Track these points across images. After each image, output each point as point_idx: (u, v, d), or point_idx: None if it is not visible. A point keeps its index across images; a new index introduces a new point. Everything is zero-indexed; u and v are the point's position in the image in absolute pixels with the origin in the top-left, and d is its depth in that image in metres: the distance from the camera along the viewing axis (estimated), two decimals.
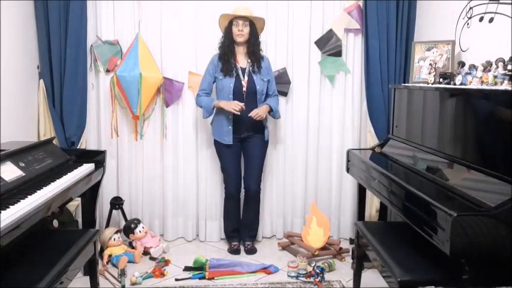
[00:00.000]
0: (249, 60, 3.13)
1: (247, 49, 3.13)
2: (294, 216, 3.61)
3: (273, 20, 3.34)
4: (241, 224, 3.35)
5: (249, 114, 3.04)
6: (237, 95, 3.08)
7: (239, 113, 3.01)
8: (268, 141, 3.27)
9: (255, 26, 3.11)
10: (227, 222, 3.36)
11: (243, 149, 3.24)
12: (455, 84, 2.43)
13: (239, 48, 3.14)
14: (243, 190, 3.33)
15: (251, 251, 3.26)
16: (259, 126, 3.18)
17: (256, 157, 3.22)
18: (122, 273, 2.76)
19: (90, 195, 2.73)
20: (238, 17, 3.05)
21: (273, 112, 3.19)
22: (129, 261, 3.05)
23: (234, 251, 3.28)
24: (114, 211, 3.38)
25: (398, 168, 2.52)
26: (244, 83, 3.10)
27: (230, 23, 3.09)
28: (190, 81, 3.37)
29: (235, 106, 3.00)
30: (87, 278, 2.47)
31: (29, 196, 1.91)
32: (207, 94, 3.16)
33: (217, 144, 3.22)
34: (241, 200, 3.36)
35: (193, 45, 3.36)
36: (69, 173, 2.35)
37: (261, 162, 3.27)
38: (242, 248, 3.32)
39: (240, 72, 3.11)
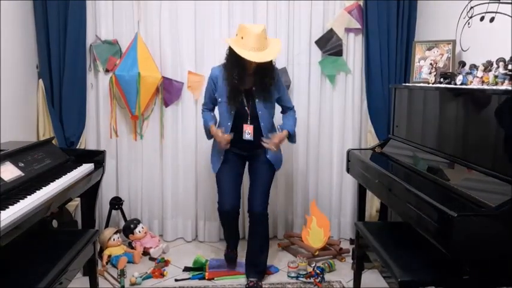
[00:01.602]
0: (255, 81, 2.68)
1: (257, 74, 2.66)
2: (294, 216, 3.60)
3: (273, 19, 3.33)
4: (246, 256, 2.89)
5: (266, 147, 2.67)
6: (239, 120, 2.71)
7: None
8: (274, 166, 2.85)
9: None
10: (225, 231, 3.03)
11: (248, 167, 2.90)
12: (455, 84, 2.43)
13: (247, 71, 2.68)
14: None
15: None
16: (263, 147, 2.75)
17: (261, 175, 2.80)
18: (122, 273, 2.76)
19: (90, 196, 2.72)
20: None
21: (290, 138, 2.82)
22: (128, 262, 3.05)
23: (229, 259, 2.97)
24: (113, 211, 3.38)
25: (399, 169, 2.51)
26: (247, 109, 2.70)
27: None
28: (189, 80, 3.36)
29: (221, 141, 2.69)
30: (87, 278, 2.47)
31: (28, 196, 1.91)
32: (210, 109, 2.86)
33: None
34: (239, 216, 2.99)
35: (193, 45, 3.35)
36: (68, 173, 2.35)
37: (267, 180, 2.81)
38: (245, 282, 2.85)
39: (243, 97, 2.70)
